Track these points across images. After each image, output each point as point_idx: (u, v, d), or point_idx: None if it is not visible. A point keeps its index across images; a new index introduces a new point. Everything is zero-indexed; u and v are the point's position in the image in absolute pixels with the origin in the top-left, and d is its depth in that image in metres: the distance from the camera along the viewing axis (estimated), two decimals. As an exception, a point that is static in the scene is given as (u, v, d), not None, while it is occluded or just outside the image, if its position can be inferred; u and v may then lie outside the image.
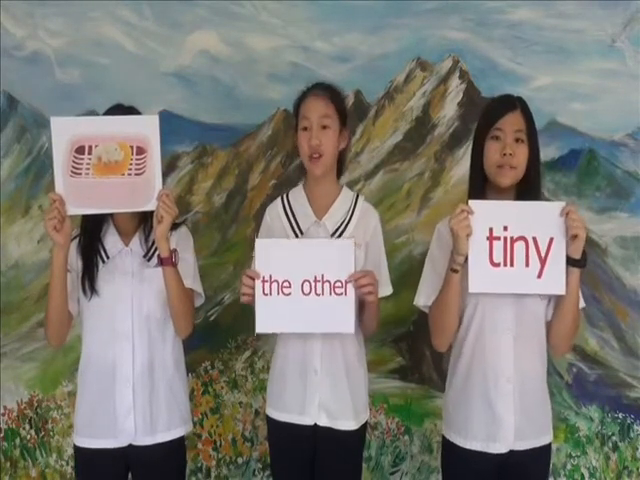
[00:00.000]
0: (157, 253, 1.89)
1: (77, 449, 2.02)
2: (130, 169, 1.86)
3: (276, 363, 2.04)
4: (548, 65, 2.56)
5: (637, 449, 2.60)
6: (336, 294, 1.85)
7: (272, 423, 2.04)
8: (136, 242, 1.99)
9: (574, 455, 2.61)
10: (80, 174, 1.86)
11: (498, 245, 1.80)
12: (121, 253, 1.98)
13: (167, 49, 2.68)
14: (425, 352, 2.63)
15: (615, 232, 2.57)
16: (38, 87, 2.70)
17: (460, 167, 2.59)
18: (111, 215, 1.99)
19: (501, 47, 2.57)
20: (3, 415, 2.77)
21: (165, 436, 1.99)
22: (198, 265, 2.08)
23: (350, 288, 1.85)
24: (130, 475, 2.05)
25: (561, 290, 1.81)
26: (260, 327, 1.88)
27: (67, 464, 2.76)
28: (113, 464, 1.99)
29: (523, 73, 2.56)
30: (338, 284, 1.85)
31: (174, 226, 1.96)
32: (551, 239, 1.79)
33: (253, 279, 1.86)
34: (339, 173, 2.08)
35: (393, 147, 2.66)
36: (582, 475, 2.62)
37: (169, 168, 2.67)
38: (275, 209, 2.06)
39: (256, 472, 2.72)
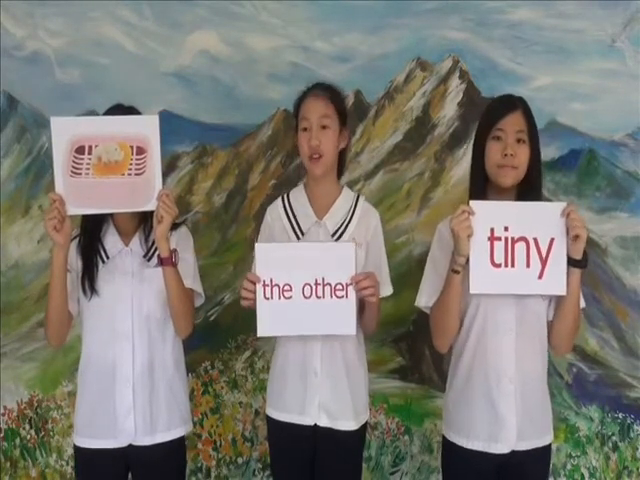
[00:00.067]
0: (157, 253, 1.89)
1: (77, 449, 2.01)
2: (130, 169, 1.86)
3: (276, 363, 2.04)
4: (548, 65, 2.56)
5: (637, 449, 2.60)
6: (337, 297, 1.85)
7: (272, 423, 2.04)
8: (136, 242, 1.99)
9: (574, 455, 2.62)
10: (80, 174, 1.85)
11: (499, 246, 1.80)
12: (121, 253, 1.98)
13: (167, 49, 2.68)
14: (425, 352, 2.63)
15: (615, 232, 2.57)
16: (38, 87, 2.70)
17: (460, 167, 2.60)
18: (111, 215, 1.98)
19: (501, 47, 2.57)
20: (3, 415, 2.77)
21: (165, 436, 1.99)
22: (198, 265, 2.08)
23: (351, 290, 1.85)
24: (130, 475, 2.05)
25: (562, 291, 1.81)
26: (262, 331, 1.88)
27: (67, 464, 2.76)
28: (113, 464, 1.99)
29: (523, 73, 2.56)
30: (339, 287, 1.85)
31: (174, 226, 1.96)
32: (552, 239, 1.79)
33: (254, 283, 1.86)
34: (339, 173, 2.08)
35: (393, 147, 2.66)
36: (582, 475, 2.62)
37: (169, 168, 2.67)
38: (276, 209, 2.06)
39: (256, 472, 2.72)
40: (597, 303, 2.56)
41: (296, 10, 2.63)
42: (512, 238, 1.80)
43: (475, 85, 2.59)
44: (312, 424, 1.96)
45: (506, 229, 1.80)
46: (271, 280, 1.86)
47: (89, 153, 1.85)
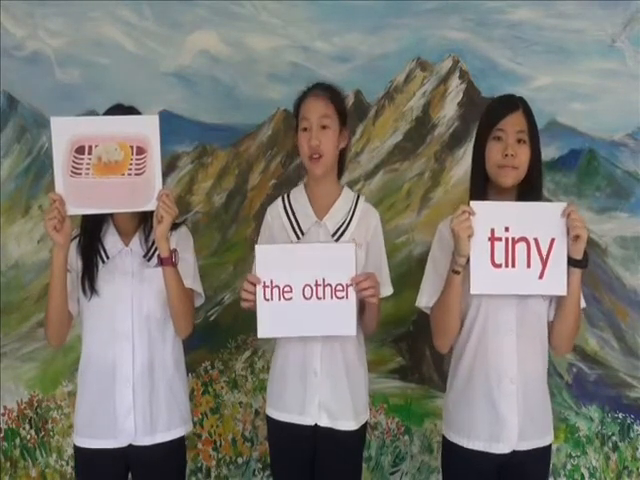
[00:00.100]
0: (157, 253, 1.89)
1: (77, 449, 2.01)
2: (130, 169, 1.86)
3: (276, 363, 2.04)
4: (548, 65, 2.56)
5: (637, 449, 2.60)
6: (337, 298, 1.85)
7: (272, 423, 2.04)
8: (136, 242, 1.98)
9: (574, 455, 2.62)
10: (80, 174, 1.85)
11: (500, 246, 1.80)
12: (121, 253, 1.97)
13: (167, 49, 2.67)
14: (425, 352, 2.63)
15: (615, 232, 2.57)
16: (38, 87, 2.70)
17: (460, 167, 2.60)
18: (111, 215, 1.98)
19: (501, 47, 2.57)
20: (3, 415, 2.77)
21: (165, 436, 1.99)
22: (198, 265, 2.08)
23: (351, 291, 1.85)
24: (130, 475, 2.05)
25: (562, 291, 1.81)
26: (262, 332, 1.88)
27: (67, 464, 2.76)
28: (113, 464, 1.98)
29: (523, 73, 2.56)
30: (339, 287, 1.85)
31: (174, 226, 1.96)
32: (552, 240, 1.79)
33: (254, 284, 1.86)
34: (340, 173, 2.08)
35: (393, 147, 2.66)
36: (582, 475, 2.62)
37: (169, 168, 2.66)
38: (276, 209, 2.06)
39: (256, 472, 2.72)
40: (597, 303, 2.56)
41: (296, 10, 2.63)
42: (513, 238, 1.80)
43: (475, 85, 2.59)
44: (312, 424, 1.96)
45: (507, 229, 1.80)
46: (271, 281, 1.86)
47: (89, 153, 1.85)
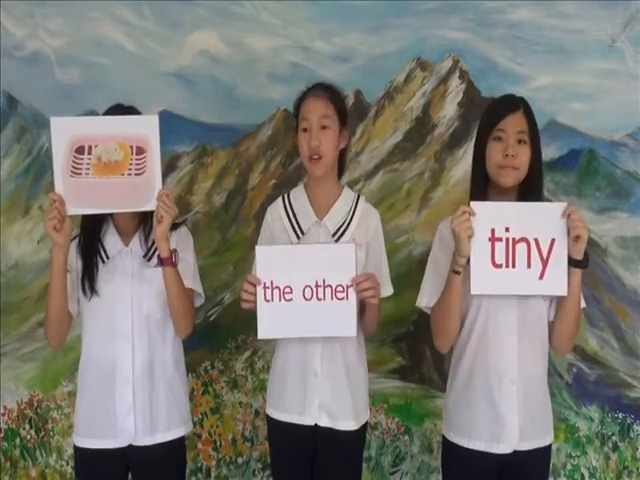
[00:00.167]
0: (157, 253, 1.89)
1: (77, 449, 2.01)
2: (130, 169, 1.86)
3: (276, 363, 2.04)
4: (548, 65, 2.56)
5: (637, 449, 2.60)
6: (338, 298, 1.85)
7: (272, 423, 2.04)
8: (136, 242, 1.98)
9: (574, 455, 2.62)
10: (80, 174, 1.85)
11: (500, 246, 1.80)
12: (121, 253, 1.97)
13: (167, 49, 2.67)
14: (425, 352, 2.63)
15: (615, 232, 2.57)
16: (38, 87, 2.70)
17: (460, 167, 2.60)
18: (111, 215, 1.98)
19: (501, 47, 2.57)
20: (3, 415, 2.77)
21: (165, 436, 1.99)
22: (198, 265, 2.08)
23: (351, 292, 1.85)
24: (130, 475, 2.05)
25: (563, 291, 1.81)
26: (262, 333, 1.88)
27: (67, 464, 2.76)
28: (113, 464, 1.98)
29: (523, 73, 2.56)
30: (339, 288, 1.85)
31: (174, 226, 1.96)
32: (553, 240, 1.79)
33: (254, 285, 1.86)
34: (340, 173, 2.08)
35: (393, 147, 2.66)
36: (582, 475, 2.62)
37: (169, 168, 2.66)
38: (276, 209, 2.06)
39: (256, 472, 2.72)
40: (597, 303, 2.56)
41: (296, 10, 2.63)
42: (513, 239, 1.80)
43: (475, 85, 2.59)
44: (312, 424, 1.96)
45: (507, 230, 1.80)
46: (271, 282, 1.86)
47: (89, 153, 1.85)
